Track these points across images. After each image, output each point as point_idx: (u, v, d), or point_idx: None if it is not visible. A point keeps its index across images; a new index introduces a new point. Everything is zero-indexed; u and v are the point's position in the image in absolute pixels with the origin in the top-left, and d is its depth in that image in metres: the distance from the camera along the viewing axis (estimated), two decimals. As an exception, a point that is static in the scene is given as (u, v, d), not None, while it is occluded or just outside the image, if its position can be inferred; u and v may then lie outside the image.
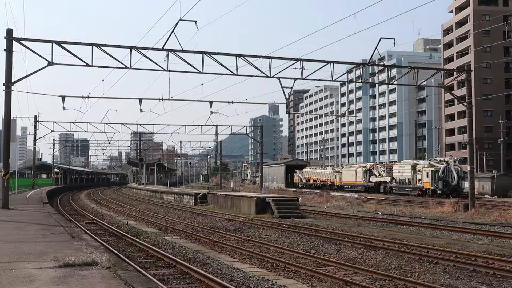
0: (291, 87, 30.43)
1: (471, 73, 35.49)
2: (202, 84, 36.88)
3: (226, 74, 27.96)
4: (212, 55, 26.70)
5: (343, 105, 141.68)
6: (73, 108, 44.90)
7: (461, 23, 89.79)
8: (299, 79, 28.83)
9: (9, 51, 24.00)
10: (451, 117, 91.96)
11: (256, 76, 28.59)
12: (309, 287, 10.94)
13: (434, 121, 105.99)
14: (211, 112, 41.84)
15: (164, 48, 25.81)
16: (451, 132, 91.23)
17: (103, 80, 47.19)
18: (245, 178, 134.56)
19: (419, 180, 50.55)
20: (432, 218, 26.93)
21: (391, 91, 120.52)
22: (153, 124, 73.36)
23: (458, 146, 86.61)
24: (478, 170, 64.06)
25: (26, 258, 10.25)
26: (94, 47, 24.80)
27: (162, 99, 38.11)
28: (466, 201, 32.05)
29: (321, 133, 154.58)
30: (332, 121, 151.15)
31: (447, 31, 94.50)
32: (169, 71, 26.69)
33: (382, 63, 60.17)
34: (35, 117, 60.10)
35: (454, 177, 47.72)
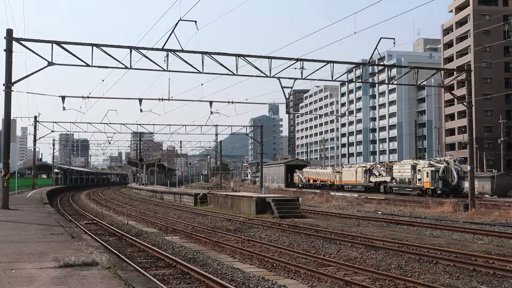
0: (291, 87, 30.45)
1: (471, 73, 35.48)
2: (202, 84, 36.90)
3: (226, 74, 27.97)
4: (212, 55, 26.71)
5: (343, 105, 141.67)
6: (73, 108, 44.86)
7: (461, 23, 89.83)
8: (299, 79, 28.87)
9: (9, 51, 24.03)
10: (451, 117, 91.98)
11: (256, 76, 28.62)
12: (309, 287, 10.93)
13: (434, 121, 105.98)
14: (211, 112, 41.89)
15: (164, 48, 25.83)
16: (451, 132, 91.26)
17: (103, 80, 47.16)
18: (245, 178, 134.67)
19: (419, 180, 50.57)
20: (432, 218, 26.93)
21: (391, 91, 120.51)
22: (153, 124, 73.56)
23: (458, 146, 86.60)
24: (478, 170, 64.08)
25: (26, 258, 10.25)
26: (94, 47, 24.82)
27: (162, 99, 38.14)
28: (466, 201, 32.03)
29: (321, 133, 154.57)
30: (332, 121, 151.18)
31: (447, 31, 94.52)
32: (169, 71, 26.73)
33: (382, 63, 60.18)
34: (35, 117, 60.16)
35: (454, 177, 47.74)
